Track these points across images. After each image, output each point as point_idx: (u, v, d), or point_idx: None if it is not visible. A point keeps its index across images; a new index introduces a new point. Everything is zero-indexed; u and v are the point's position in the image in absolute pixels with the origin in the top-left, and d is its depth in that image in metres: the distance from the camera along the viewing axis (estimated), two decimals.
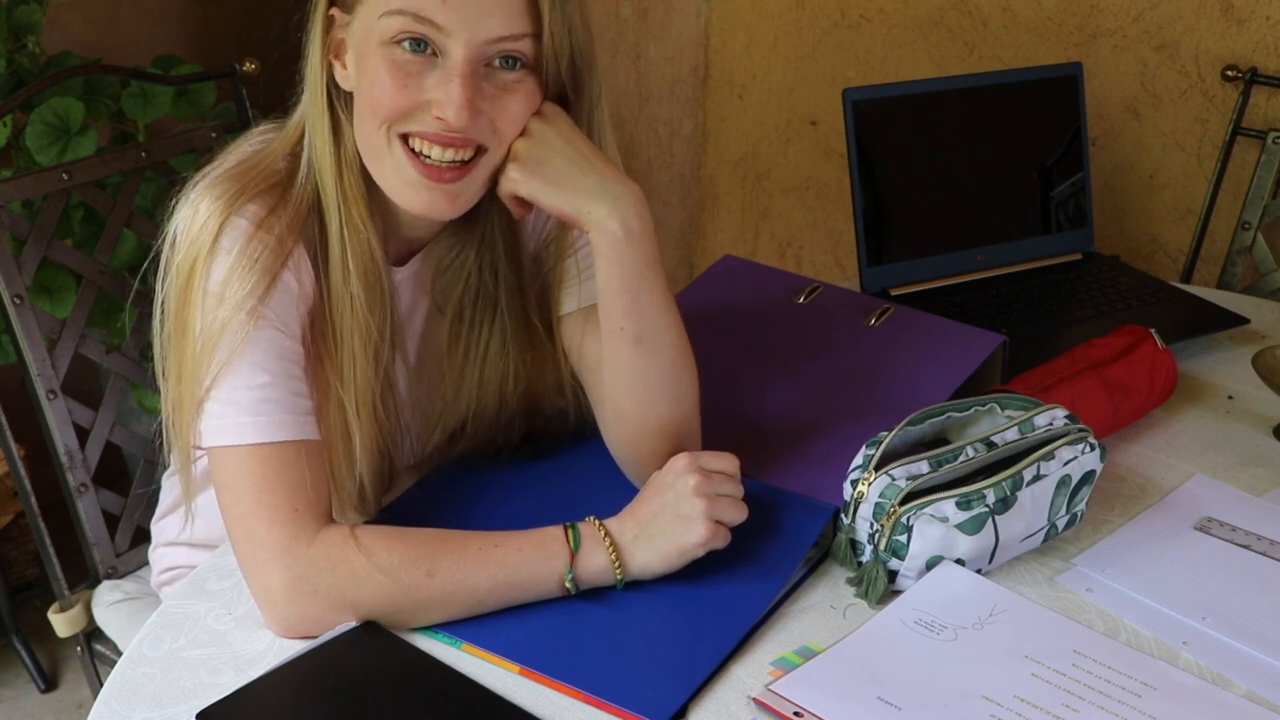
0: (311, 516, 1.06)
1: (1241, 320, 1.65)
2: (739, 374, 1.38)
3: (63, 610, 1.57)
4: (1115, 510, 1.25)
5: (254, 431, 1.06)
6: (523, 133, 1.12)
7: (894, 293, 1.67)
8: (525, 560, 1.08)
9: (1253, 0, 1.88)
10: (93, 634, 1.59)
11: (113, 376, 1.61)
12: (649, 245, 1.13)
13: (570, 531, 1.09)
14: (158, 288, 1.14)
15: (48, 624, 1.60)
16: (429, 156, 1.09)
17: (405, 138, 1.09)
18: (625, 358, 1.16)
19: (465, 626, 1.06)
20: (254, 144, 1.18)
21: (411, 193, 1.11)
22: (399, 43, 1.07)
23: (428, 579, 1.06)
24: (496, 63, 1.09)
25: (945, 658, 1.01)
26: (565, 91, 1.15)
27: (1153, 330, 1.44)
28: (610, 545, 1.09)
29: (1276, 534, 1.20)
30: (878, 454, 1.12)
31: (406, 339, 1.25)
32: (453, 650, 1.04)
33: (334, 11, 1.12)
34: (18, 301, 1.50)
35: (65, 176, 1.57)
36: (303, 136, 1.15)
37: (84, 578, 1.59)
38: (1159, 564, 1.16)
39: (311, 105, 1.13)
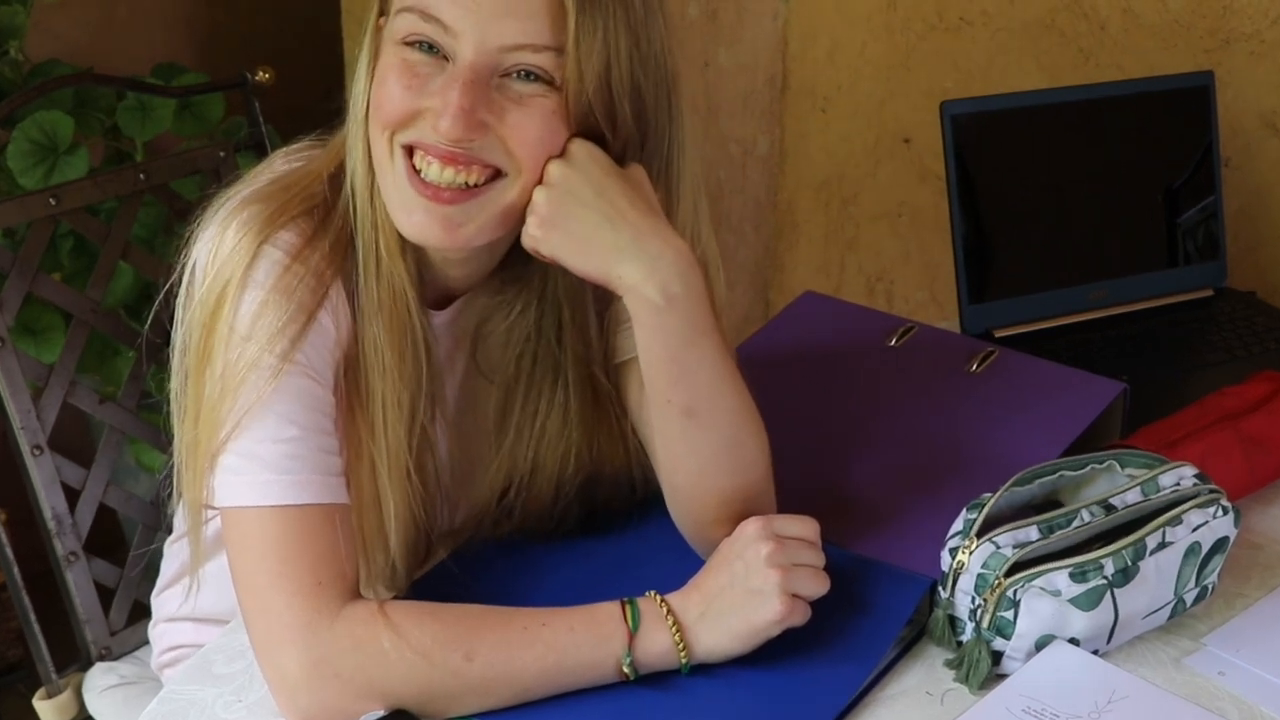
0: (337, 590, 1.04)
1: None
2: (821, 427, 1.38)
3: (49, 696, 1.55)
4: (1251, 582, 1.24)
5: (278, 491, 1.05)
6: (543, 178, 1.08)
7: (998, 334, 1.66)
8: (577, 641, 1.07)
9: None
10: None
11: (107, 430, 1.59)
12: (697, 310, 1.10)
13: (629, 608, 1.08)
14: (176, 319, 1.13)
15: (33, 713, 1.57)
16: (428, 173, 1.07)
17: (410, 151, 1.08)
18: (676, 430, 1.15)
19: (508, 716, 1.05)
20: (291, 162, 1.18)
21: (406, 214, 1.09)
22: (411, 44, 1.07)
23: (466, 663, 1.05)
24: (514, 75, 1.07)
25: None
26: (610, 131, 1.11)
27: None
28: (674, 624, 1.07)
29: None
30: (980, 518, 1.12)
31: (447, 394, 1.24)
32: None
33: (381, 20, 1.11)
34: (0, 344, 1.49)
35: (53, 201, 1.56)
36: (345, 158, 1.14)
37: (74, 659, 1.57)
38: None
39: (353, 121, 1.12)
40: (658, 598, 1.09)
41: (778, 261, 2.70)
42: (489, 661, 1.05)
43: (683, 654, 1.07)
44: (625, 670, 1.06)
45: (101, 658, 1.56)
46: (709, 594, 1.09)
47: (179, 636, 1.42)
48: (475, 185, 1.07)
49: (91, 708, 1.54)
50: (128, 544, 1.61)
